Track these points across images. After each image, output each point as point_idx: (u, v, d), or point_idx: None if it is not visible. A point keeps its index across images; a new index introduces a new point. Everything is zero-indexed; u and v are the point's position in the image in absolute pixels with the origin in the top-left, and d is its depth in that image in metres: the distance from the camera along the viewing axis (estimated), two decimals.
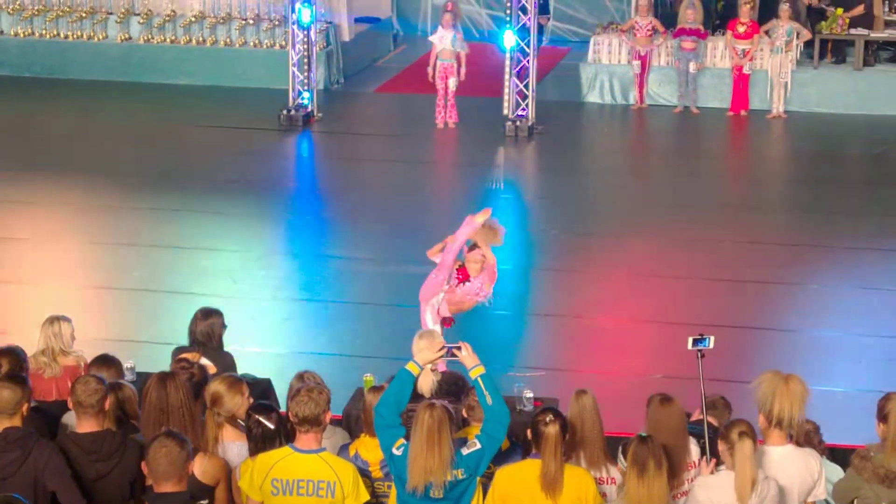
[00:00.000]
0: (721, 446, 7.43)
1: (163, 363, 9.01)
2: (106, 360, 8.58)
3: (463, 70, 19.94)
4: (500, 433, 7.46)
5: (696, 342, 7.90)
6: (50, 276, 14.03)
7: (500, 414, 7.46)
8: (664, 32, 21.41)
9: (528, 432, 7.49)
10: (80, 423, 7.37)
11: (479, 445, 7.38)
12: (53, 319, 9.22)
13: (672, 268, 14.65)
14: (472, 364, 7.60)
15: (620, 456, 7.52)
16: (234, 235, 15.47)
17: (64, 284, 13.78)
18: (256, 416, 7.63)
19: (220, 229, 15.68)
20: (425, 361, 7.74)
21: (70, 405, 7.46)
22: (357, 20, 23.98)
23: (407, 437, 7.35)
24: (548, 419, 7.33)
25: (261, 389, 8.99)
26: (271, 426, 7.59)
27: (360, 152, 19.38)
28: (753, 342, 12.52)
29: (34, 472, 7.09)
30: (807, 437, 8.28)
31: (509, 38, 19.56)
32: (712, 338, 7.90)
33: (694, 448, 7.83)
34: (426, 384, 8.28)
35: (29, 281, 13.87)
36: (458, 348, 7.67)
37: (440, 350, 7.72)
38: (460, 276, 11.00)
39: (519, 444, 8.09)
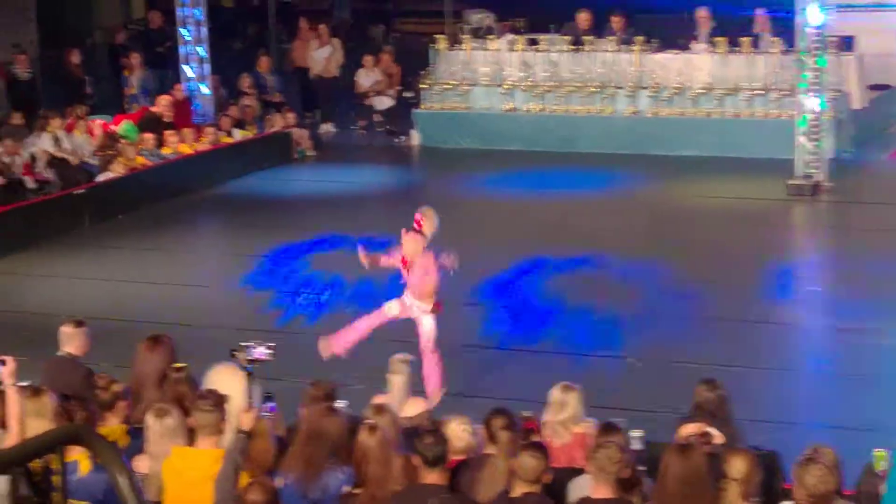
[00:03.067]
0: None
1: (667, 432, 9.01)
2: (611, 428, 8.67)
3: None
4: None
5: None
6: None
7: None
8: None
9: None
10: (596, 489, 7.50)
11: None
12: (566, 388, 9.38)
13: None
14: None
15: None
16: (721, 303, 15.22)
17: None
18: None
19: (710, 298, 15.46)
20: None
21: (586, 470, 7.62)
22: (870, 87, 23.39)
23: None
24: None
25: (766, 461, 8.80)
26: None
27: (874, 222, 18.75)
28: None
29: None
30: None
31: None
32: None
33: None
34: None
35: None
36: None
37: None
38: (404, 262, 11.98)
39: None
